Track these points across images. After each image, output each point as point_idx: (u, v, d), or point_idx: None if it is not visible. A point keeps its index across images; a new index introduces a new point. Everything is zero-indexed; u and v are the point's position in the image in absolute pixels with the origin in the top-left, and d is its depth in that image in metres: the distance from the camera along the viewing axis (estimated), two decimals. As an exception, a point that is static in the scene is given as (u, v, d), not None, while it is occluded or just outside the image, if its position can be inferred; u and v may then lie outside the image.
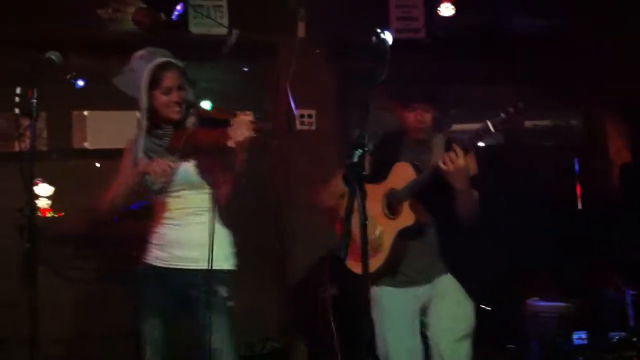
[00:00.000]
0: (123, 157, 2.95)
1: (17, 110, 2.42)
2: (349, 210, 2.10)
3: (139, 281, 2.92)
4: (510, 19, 4.40)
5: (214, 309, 2.79)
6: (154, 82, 2.77)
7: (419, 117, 2.90)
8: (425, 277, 2.94)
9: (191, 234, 2.83)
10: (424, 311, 2.97)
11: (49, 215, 4.49)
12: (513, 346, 3.96)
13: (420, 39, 4.41)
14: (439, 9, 4.33)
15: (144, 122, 2.81)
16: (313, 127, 4.36)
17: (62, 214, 4.56)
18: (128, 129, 4.68)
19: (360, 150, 2.21)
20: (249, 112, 2.64)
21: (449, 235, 2.97)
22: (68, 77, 4.38)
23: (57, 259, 4.40)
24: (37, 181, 4.15)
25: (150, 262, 2.90)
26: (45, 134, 4.56)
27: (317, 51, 4.34)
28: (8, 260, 4.43)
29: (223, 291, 2.81)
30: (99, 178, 4.65)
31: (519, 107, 2.59)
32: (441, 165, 2.70)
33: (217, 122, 2.67)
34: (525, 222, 4.32)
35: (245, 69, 4.65)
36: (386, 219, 2.92)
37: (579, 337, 3.88)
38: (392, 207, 2.92)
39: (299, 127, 4.33)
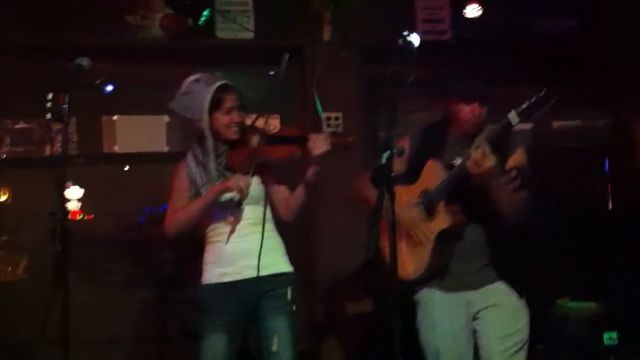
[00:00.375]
0: (177, 173, 3.00)
1: (48, 116, 2.46)
2: (378, 212, 2.11)
3: (202, 301, 2.95)
4: (537, 20, 4.37)
5: (278, 313, 2.89)
6: (215, 103, 2.86)
7: (475, 111, 2.77)
8: (475, 282, 2.81)
9: (255, 243, 2.90)
10: (475, 319, 2.84)
11: (78, 217, 4.57)
12: (542, 347, 3.92)
13: (446, 40, 4.39)
14: (464, 10, 4.30)
15: (211, 142, 2.88)
16: (340, 130, 4.35)
17: (92, 216, 4.64)
18: (156, 133, 4.77)
19: (389, 152, 2.25)
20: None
21: (492, 236, 2.81)
22: (97, 82, 4.45)
23: (86, 262, 4.47)
24: (67, 184, 4.23)
25: (214, 281, 2.94)
26: (75, 139, 4.63)
27: (343, 54, 4.34)
28: (40, 263, 4.54)
29: (289, 294, 2.90)
30: (127, 181, 4.74)
31: (543, 94, 2.49)
32: (467, 167, 2.59)
33: (288, 140, 2.88)
34: (555, 223, 4.28)
35: (272, 73, 4.68)
36: (424, 221, 2.82)
37: (610, 337, 3.83)
38: (428, 209, 2.81)
39: (325, 129, 4.34)
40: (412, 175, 2.85)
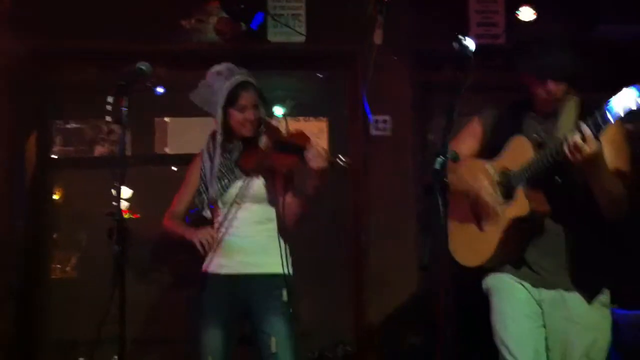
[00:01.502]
0: (192, 165, 3.14)
1: (108, 118, 2.51)
2: (434, 218, 2.09)
3: (201, 290, 3.01)
4: (595, 23, 4.27)
5: (274, 313, 2.88)
6: (231, 100, 2.91)
7: (550, 88, 2.53)
8: (552, 280, 2.53)
9: (254, 241, 2.95)
10: (544, 321, 2.57)
11: (126, 217, 4.64)
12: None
13: (500, 44, 4.34)
14: (518, 12, 4.24)
15: (219, 137, 2.95)
16: (388, 133, 4.34)
17: (138, 215, 4.71)
18: (205, 135, 4.83)
19: (443, 158, 2.19)
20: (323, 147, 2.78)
21: (579, 233, 2.51)
22: (149, 84, 4.53)
23: (138, 261, 4.54)
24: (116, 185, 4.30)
25: (214, 270, 3.00)
26: (128, 139, 4.71)
27: (395, 58, 4.32)
28: (90, 262, 4.63)
29: (284, 295, 2.88)
30: (176, 182, 4.80)
31: None
32: (566, 151, 2.29)
33: (292, 147, 2.80)
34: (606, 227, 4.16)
35: (320, 76, 4.69)
36: (499, 202, 2.57)
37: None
38: (505, 191, 2.56)
39: (373, 132, 4.33)
40: (488, 152, 2.66)
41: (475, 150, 2.77)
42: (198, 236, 2.93)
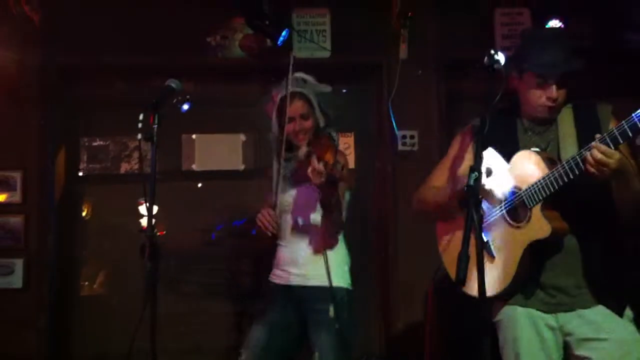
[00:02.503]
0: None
1: (139, 136, 2.53)
2: (468, 234, 2.06)
3: (265, 298, 3.12)
4: (623, 33, 4.23)
5: (319, 327, 2.91)
6: (281, 111, 3.01)
7: (552, 94, 2.41)
8: (569, 301, 2.41)
9: (300, 253, 2.99)
10: (568, 349, 2.44)
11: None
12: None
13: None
14: (546, 26, 4.21)
15: (274, 147, 3.09)
16: (415, 148, 4.33)
17: (164, 232, 4.73)
18: (232, 151, 4.84)
19: (476, 173, 2.14)
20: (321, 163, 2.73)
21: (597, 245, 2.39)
22: (174, 101, 4.57)
23: (169, 275, 4.57)
24: (141, 201, 4.34)
25: (273, 280, 3.10)
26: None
27: (420, 72, 4.32)
28: (119, 278, 4.65)
29: (331, 311, 2.87)
30: (203, 198, 4.83)
31: None
32: (588, 166, 2.19)
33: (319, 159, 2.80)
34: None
35: (344, 91, 4.70)
36: (508, 226, 2.44)
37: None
38: (515, 211, 2.43)
39: (400, 147, 4.32)
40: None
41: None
42: (259, 218, 2.97)
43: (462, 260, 2.03)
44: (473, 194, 2.11)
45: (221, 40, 4.32)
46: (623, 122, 2.18)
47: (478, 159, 2.20)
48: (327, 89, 3.10)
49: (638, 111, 2.14)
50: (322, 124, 3.03)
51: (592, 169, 2.20)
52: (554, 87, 2.42)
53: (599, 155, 2.17)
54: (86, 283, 4.78)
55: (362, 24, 4.34)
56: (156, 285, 2.49)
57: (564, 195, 2.32)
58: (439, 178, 2.76)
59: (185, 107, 4.70)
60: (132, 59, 4.30)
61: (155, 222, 4.61)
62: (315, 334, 2.92)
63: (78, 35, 4.23)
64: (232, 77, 4.53)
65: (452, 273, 2.44)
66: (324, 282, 2.89)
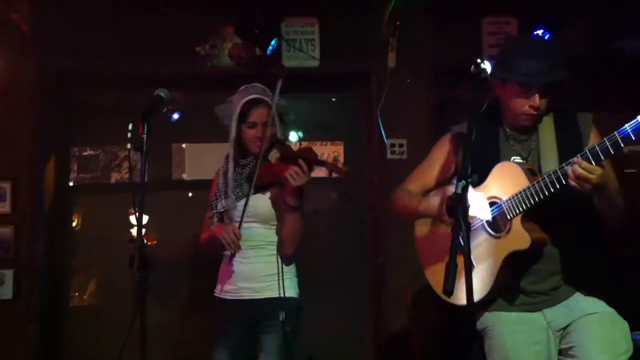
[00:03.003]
0: (212, 186, 3.18)
1: (129, 145, 2.53)
2: (456, 244, 2.06)
3: (212, 313, 3.08)
4: (610, 42, 4.27)
5: (268, 332, 2.92)
6: (242, 116, 2.98)
7: (535, 102, 2.40)
8: (554, 297, 2.43)
9: (255, 267, 2.97)
10: (564, 338, 2.42)
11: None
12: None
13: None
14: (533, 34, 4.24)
15: (231, 152, 3.01)
16: (404, 157, 4.35)
17: (155, 242, 4.72)
18: (222, 160, 4.83)
19: (464, 182, 2.15)
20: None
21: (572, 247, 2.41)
22: (164, 110, 4.57)
23: (158, 285, 4.55)
24: (132, 211, 4.32)
25: (219, 295, 3.06)
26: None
27: (408, 80, 4.34)
28: (109, 288, 4.64)
29: (282, 316, 2.89)
30: (193, 207, 4.82)
31: None
32: (569, 181, 2.20)
33: (300, 158, 2.82)
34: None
35: (333, 100, 4.71)
36: (489, 237, 2.45)
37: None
38: (495, 222, 2.43)
39: (389, 156, 4.34)
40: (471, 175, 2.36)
41: (452, 172, 2.66)
42: (222, 235, 2.91)
43: (451, 270, 2.02)
44: (461, 203, 2.12)
45: (210, 49, 4.33)
46: (605, 139, 2.18)
47: (465, 167, 2.20)
48: (282, 101, 3.05)
49: (621, 128, 2.15)
50: (279, 135, 3.03)
51: (574, 183, 2.21)
52: (537, 96, 2.41)
53: (580, 171, 2.18)
54: (76, 293, 4.76)
55: (351, 33, 4.36)
56: (145, 296, 2.48)
57: (544, 204, 2.33)
58: (414, 182, 2.78)
59: (176, 116, 4.71)
60: (121, 68, 4.30)
61: (146, 232, 4.65)
62: (261, 339, 2.92)
63: (68, 44, 4.23)
64: (222, 86, 4.51)
65: (434, 283, 2.58)
66: (274, 294, 2.92)
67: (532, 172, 2.40)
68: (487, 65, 2.40)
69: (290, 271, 3.01)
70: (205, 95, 4.64)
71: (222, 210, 3.03)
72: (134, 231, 4.43)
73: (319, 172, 3.06)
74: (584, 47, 4.20)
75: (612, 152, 2.17)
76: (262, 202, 2.97)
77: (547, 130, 2.48)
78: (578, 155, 2.21)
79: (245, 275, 2.97)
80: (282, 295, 2.91)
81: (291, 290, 2.98)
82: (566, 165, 2.24)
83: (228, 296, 3.02)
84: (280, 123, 3.05)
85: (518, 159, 2.48)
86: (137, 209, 2.51)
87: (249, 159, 3.01)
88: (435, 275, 2.59)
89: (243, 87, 3.08)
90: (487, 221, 2.46)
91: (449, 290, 2.01)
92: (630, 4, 4.18)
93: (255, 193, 2.93)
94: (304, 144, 3.16)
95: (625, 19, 4.31)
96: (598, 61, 4.28)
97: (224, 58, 4.33)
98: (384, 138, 4.29)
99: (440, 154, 2.72)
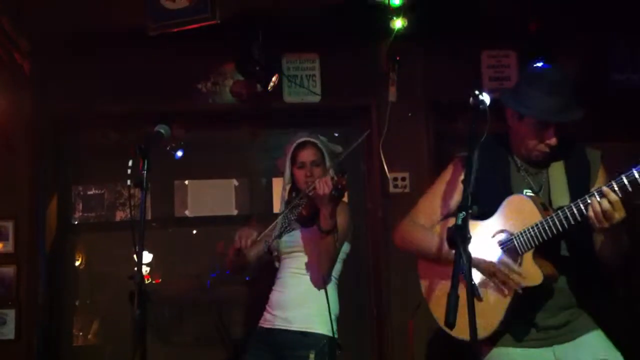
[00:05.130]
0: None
1: (129, 182, 2.53)
2: (457, 275, 2.04)
3: (250, 341, 3.12)
4: (608, 74, 4.29)
5: None
6: (293, 159, 3.15)
7: (551, 140, 2.39)
8: (566, 333, 2.40)
9: (291, 296, 3.02)
10: None
11: (146, 282, 4.63)
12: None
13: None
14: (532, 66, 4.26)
15: (285, 194, 3.19)
16: (407, 190, 4.34)
17: (160, 280, 4.70)
18: (225, 197, 4.84)
19: (464, 213, 2.13)
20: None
21: (584, 281, 2.40)
22: (168, 148, 4.59)
23: (158, 323, 4.52)
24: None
25: (261, 324, 3.11)
26: (147, 203, 4.74)
27: (410, 114, 4.36)
28: (112, 327, 4.60)
29: (311, 357, 2.88)
30: (197, 244, 4.81)
31: None
32: (591, 217, 2.16)
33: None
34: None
35: (336, 134, 4.73)
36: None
37: None
38: (507, 255, 2.40)
39: (392, 190, 4.33)
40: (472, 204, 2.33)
41: (457, 200, 2.59)
42: (239, 232, 3.02)
43: (452, 302, 1.99)
44: (461, 234, 2.10)
45: (212, 86, 4.36)
46: (633, 168, 2.15)
47: (465, 198, 2.20)
48: (337, 148, 3.24)
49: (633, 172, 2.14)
50: (332, 173, 3.02)
51: (595, 220, 2.16)
52: (553, 133, 2.40)
53: (607, 206, 2.14)
54: (80, 332, 4.72)
55: (352, 67, 4.39)
56: (145, 333, 2.45)
57: (557, 242, 2.33)
58: (425, 213, 2.70)
59: (179, 153, 4.72)
60: (124, 107, 4.33)
61: (150, 271, 4.63)
62: None
63: (69, 83, 4.25)
64: (224, 123, 4.57)
65: (438, 315, 2.54)
66: (307, 328, 2.93)
67: (544, 206, 2.37)
68: (485, 97, 2.41)
69: (327, 306, 2.97)
70: (208, 131, 4.67)
71: (271, 245, 3.11)
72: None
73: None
74: (581, 79, 4.22)
75: (631, 190, 2.13)
76: (299, 232, 3.08)
77: (556, 165, 2.47)
78: (605, 185, 2.17)
79: (283, 303, 3.04)
80: (313, 331, 2.93)
81: (324, 327, 2.96)
82: (586, 198, 2.21)
83: (265, 324, 3.08)
84: (330, 160, 3.16)
85: (529, 192, 2.46)
86: (136, 245, 2.49)
87: (302, 199, 3.07)
88: (438, 307, 2.56)
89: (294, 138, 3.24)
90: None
91: (451, 322, 1.97)
92: (626, 38, 4.21)
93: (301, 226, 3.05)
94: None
95: (620, 53, 4.33)
96: (595, 93, 4.28)
97: (225, 95, 4.36)
98: (386, 172, 4.28)
99: (446, 182, 2.69)
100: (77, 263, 4.73)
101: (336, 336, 2.99)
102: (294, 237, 3.09)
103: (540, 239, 2.31)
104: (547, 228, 2.29)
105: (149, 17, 3.73)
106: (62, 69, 4.26)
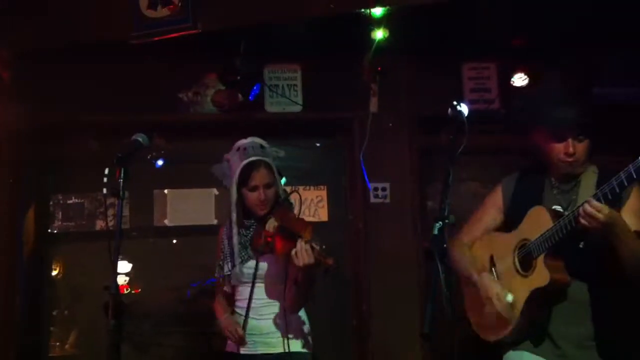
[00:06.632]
0: (217, 244, 3.12)
1: (105, 191, 2.50)
2: (435, 285, 2.05)
3: None
4: (590, 89, 4.31)
5: None
6: (243, 180, 2.91)
7: (569, 149, 2.44)
8: (574, 354, 2.44)
9: (267, 321, 2.94)
10: None
11: (125, 292, 4.59)
12: None
13: (495, 109, 4.39)
14: (512, 80, 4.30)
15: (234, 215, 2.95)
16: (387, 200, 4.34)
17: (139, 290, 4.65)
18: (205, 206, 4.80)
19: (441, 223, 2.17)
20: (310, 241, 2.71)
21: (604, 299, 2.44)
22: (148, 157, 4.56)
23: (137, 335, 4.47)
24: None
25: (234, 350, 2.99)
26: (126, 212, 4.70)
27: (390, 124, 4.37)
28: (89, 338, 4.55)
29: None
30: (176, 254, 4.77)
31: None
32: (581, 220, 2.28)
33: (292, 233, 2.76)
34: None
35: (318, 145, 4.73)
36: (519, 276, 2.51)
37: None
38: (525, 262, 2.50)
39: (372, 200, 4.33)
40: (510, 223, 2.61)
41: (499, 220, 2.72)
42: (227, 332, 2.95)
43: (426, 313, 2.01)
44: (437, 244, 2.11)
45: (193, 96, 4.35)
46: (613, 179, 2.25)
47: (443, 209, 2.21)
48: (280, 153, 3.06)
49: (626, 168, 2.21)
50: (281, 194, 2.98)
51: (583, 221, 2.27)
52: (570, 141, 2.44)
53: (589, 209, 2.24)
54: (57, 343, 4.66)
55: (334, 79, 4.39)
56: (119, 345, 2.42)
57: (571, 248, 2.40)
58: (470, 232, 2.81)
59: (160, 162, 4.69)
60: (105, 116, 4.30)
61: (130, 280, 4.59)
62: None
63: (50, 93, 4.22)
64: (205, 132, 4.55)
65: (480, 332, 2.68)
66: (294, 349, 2.88)
67: (557, 214, 2.45)
68: (464, 108, 2.42)
69: (302, 328, 2.97)
70: (189, 141, 4.64)
71: (228, 273, 2.99)
72: (117, 279, 4.37)
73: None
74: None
75: (618, 191, 2.24)
76: (265, 264, 2.93)
77: (588, 184, 2.50)
78: (594, 195, 2.28)
79: (261, 328, 2.94)
80: (295, 350, 2.88)
81: (301, 344, 2.94)
82: (580, 205, 2.30)
83: (244, 350, 2.95)
84: (278, 178, 3.00)
85: (558, 208, 2.52)
86: (112, 255, 2.46)
87: (252, 221, 2.98)
88: (478, 325, 2.71)
89: (239, 143, 3.01)
90: (519, 261, 2.53)
91: (426, 332, 1.99)
92: (607, 53, 4.24)
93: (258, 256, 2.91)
94: (288, 188, 3.08)
95: (602, 66, 4.37)
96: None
97: (206, 105, 4.35)
98: (367, 182, 4.28)
99: (490, 205, 2.77)
100: (55, 273, 4.67)
101: (311, 351, 2.98)
102: (258, 269, 2.91)
103: (549, 243, 2.40)
104: (554, 233, 2.38)
105: (130, 26, 3.71)
106: (43, 79, 4.22)
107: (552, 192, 2.57)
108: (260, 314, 2.95)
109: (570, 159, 2.46)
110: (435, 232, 2.14)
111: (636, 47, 4.08)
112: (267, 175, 2.92)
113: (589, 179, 2.51)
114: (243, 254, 2.94)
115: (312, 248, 2.65)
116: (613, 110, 4.34)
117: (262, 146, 3.00)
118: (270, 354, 2.92)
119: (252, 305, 2.92)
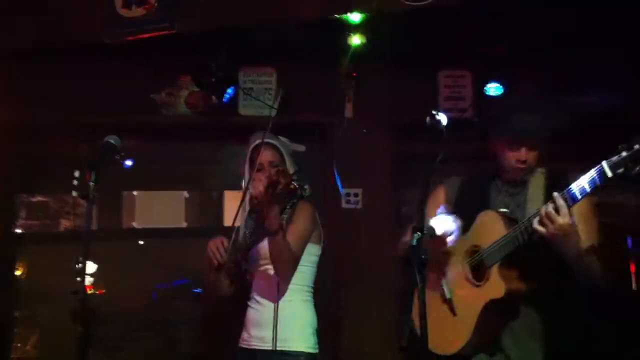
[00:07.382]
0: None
1: (74, 193, 2.45)
2: (412, 296, 2.04)
3: None
4: (564, 95, 4.36)
5: None
6: (252, 162, 2.93)
7: (521, 157, 2.48)
8: None
9: (265, 315, 2.85)
10: None
11: (89, 292, 4.53)
12: None
13: (469, 118, 4.40)
14: (485, 88, 4.32)
15: (247, 202, 2.94)
16: (359, 206, 4.33)
17: (103, 291, 4.59)
18: (175, 209, 4.75)
19: (419, 233, 2.14)
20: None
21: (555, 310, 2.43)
22: (117, 157, 4.48)
23: (103, 338, 4.40)
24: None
25: (240, 344, 2.94)
26: (94, 213, 4.63)
27: (364, 130, 4.36)
28: (52, 340, 4.46)
29: None
30: (144, 257, 4.71)
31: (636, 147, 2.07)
32: (536, 226, 2.25)
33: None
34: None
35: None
36: (469, 285, 2.46)
37: None
38: (477, 270, 2.45)
39: (344, 205, 4.32)
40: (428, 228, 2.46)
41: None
42: (209, 245, 2.83)
43: (406, 324, 2.00)
44: (416, 255, 2.09)
45: (166, 97, 4.30)
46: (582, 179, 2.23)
47: (419, 219, 2.20)
48: (300, 148, 3.10)
49: (596, 166, 2.18)
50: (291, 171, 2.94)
51: (539, 225, 2.23)
52: (523, 149, 2.47)
53: (549, 209, 2.22)
54: (19, 344, 4.57)
55: (309, 82, 4.36)
56: (87, 351, 2.36)
57: (526, 257, 2.34)
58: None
59: (129, 163, 4.62)
60: (74, 117, 4.24)
61: (94, 281, 4.52)
62: None
63: (18, 92, 4.15)
64: (177, 134, 4.49)
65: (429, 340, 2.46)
66: (285, 347, 2.79)
67: (511, 220, 2.41)
68: (442, 117, 2.42)
69: (303, 321, 2.89)
70: (161, 143, 4.58)
71: (239, 255, 2.95)
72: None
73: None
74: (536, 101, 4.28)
75: (578, 198, 2.21)
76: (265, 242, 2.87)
77: (536, 186, 2.53)
78: (555, 194, 2.24)
79: (259, 322, 2.87)
80: (296, 349, 2.81)
81: (302, 343, 2.85)
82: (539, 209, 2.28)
83: (242, 344, 2.92)
84: (290, 163, 3.01)
85: (507, 210, 2.50)
86: (80, 258, 2.40)
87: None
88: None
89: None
90: (470, 269, 2.47)
91: (403, 345, 1.97)
92: (582, 60, 4.29)
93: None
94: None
95: (576, 76, 4.41)
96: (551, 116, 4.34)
97: (180, 106, 4.30)
98: (339, 187, 4.27)
99: (432, 205, 2.68)
100: (19, 273, 4.58)
101: (317, 351, 2.89)
102: (260, 248, 2.88)
103: (503, 252, 2.35)
104: (509, 241, 2.34)
105: (104, 25, 3.65)
106: (9, 79, 4.15)
107: (500, 195, 2.58)
108: (257, 303, 2.89)
109: (522, 166, 2.49)
110: (414, 242, 2.12)
111: (615, 55, 4.12)
112: (272, 155, 2.95)
113: (538, 180, 2.54)
114: (248, 233, 2.93)
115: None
116: (591, 118, 4.43)
117: (277, 137, 3.04)
118: (263, 349, 2.83)
119: (253, 291, 2.90)
